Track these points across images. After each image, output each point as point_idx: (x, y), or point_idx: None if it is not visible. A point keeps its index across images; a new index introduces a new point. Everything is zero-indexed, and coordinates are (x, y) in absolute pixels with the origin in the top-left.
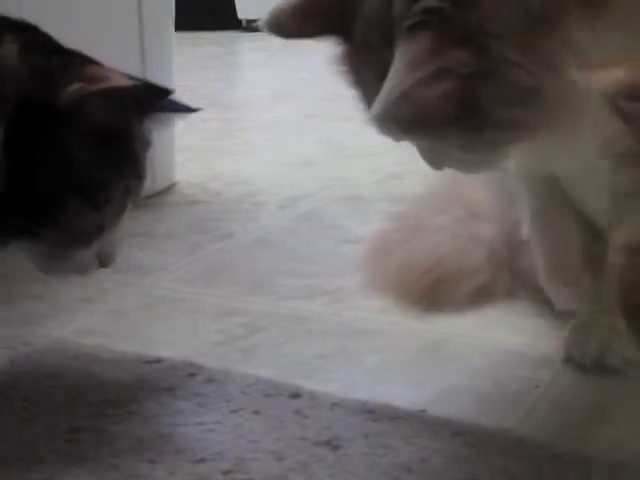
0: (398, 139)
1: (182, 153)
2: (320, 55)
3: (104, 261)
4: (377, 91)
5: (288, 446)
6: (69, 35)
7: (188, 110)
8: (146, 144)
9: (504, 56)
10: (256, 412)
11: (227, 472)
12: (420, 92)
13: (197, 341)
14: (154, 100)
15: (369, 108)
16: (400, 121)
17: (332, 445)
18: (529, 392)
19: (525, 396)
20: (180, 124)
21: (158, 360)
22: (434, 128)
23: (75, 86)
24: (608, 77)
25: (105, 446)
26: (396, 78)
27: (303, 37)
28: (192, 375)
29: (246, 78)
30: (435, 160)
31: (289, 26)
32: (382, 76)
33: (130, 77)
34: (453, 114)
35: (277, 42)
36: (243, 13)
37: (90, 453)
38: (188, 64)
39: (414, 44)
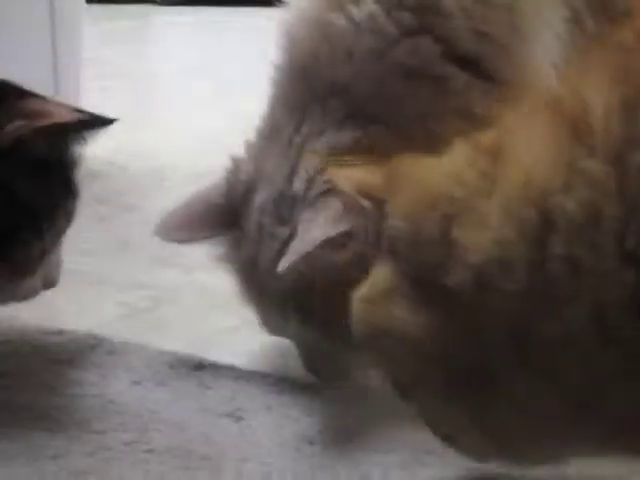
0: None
1: None
2: (235, 33)
3: (48, 283)
4: (273, 269)
5: (191, 417)
6: None
7: (107, 122)
8: (78, 165)
9: None
10: (159, 383)
11: (129, 443)
12: (327, 254)
13: (100, 313)
14: (93, 130)
15: (260, 293)
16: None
17: (235, 416)
18: None
19: None
20: (87, 96)
21: (60, 332)
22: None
23: (16, 124)
24: (348, 175)
25: (4, 417)
26: (304, 238)
27: (192, 242)
28: (94, 347)
29: (159, 52)
30: None
31: (177, 234)
32: (279, 255)
33: (73, 109)
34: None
35: (192, 18)
36: None
37: None
38: (101, 37)
39: (323, 208)
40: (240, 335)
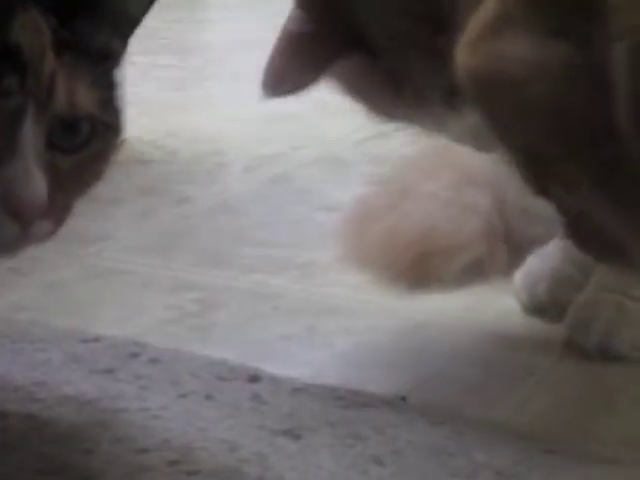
0: None
1: (133, 106)
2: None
3: (17, 209)
4: None
5: (243, 435)
6: None
7: None
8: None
9: None
10: (208, 397)
11: (172, 463)
12: None
13: (143, 318)
14: None
15: None
16: None
17: (293, 434)
18: (524, 380)
19: (519, 384)
20: (132, 71)
21: (97, 339)
22: None
23: None
24: None
25: (35, 433)
26: None
27: (310, 82)
28: (135, 355)
29: (212, 21)
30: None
31: (288, 82)
32: None
33: None
34: None
35: None
36: None
37: (18, 442)
38: None
39: None
40: (300, 343)
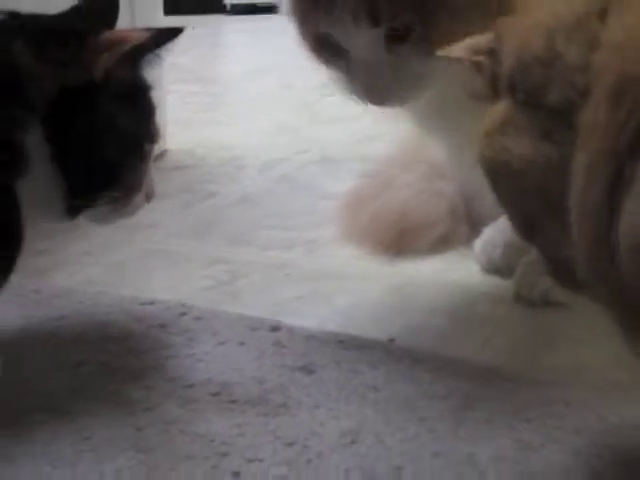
0: None
1: (172, 124)
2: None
3: (150, 196)
4: None
5: (268, 372)
6: None
7: (178, 32)
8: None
9: None
10: (241, 343)
11: (215, 394)
12: None
13: (187, 286)
14: (167, 43)
15: None
16: None
17: (307, 370)
18: (484, 325)
19: (481, 329)
20: (170, 98)
21: (152, 302)
22: None
23: (104, 57)
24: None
25: (106, 376)
26: None
27: None
28: (183, 314)
29: (229, 56)
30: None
31: None
32: None
33: (143, 30)
34: None
35: (257, 24)
36: None
37: (93, 383)
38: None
39: None
40: (309, 302)
